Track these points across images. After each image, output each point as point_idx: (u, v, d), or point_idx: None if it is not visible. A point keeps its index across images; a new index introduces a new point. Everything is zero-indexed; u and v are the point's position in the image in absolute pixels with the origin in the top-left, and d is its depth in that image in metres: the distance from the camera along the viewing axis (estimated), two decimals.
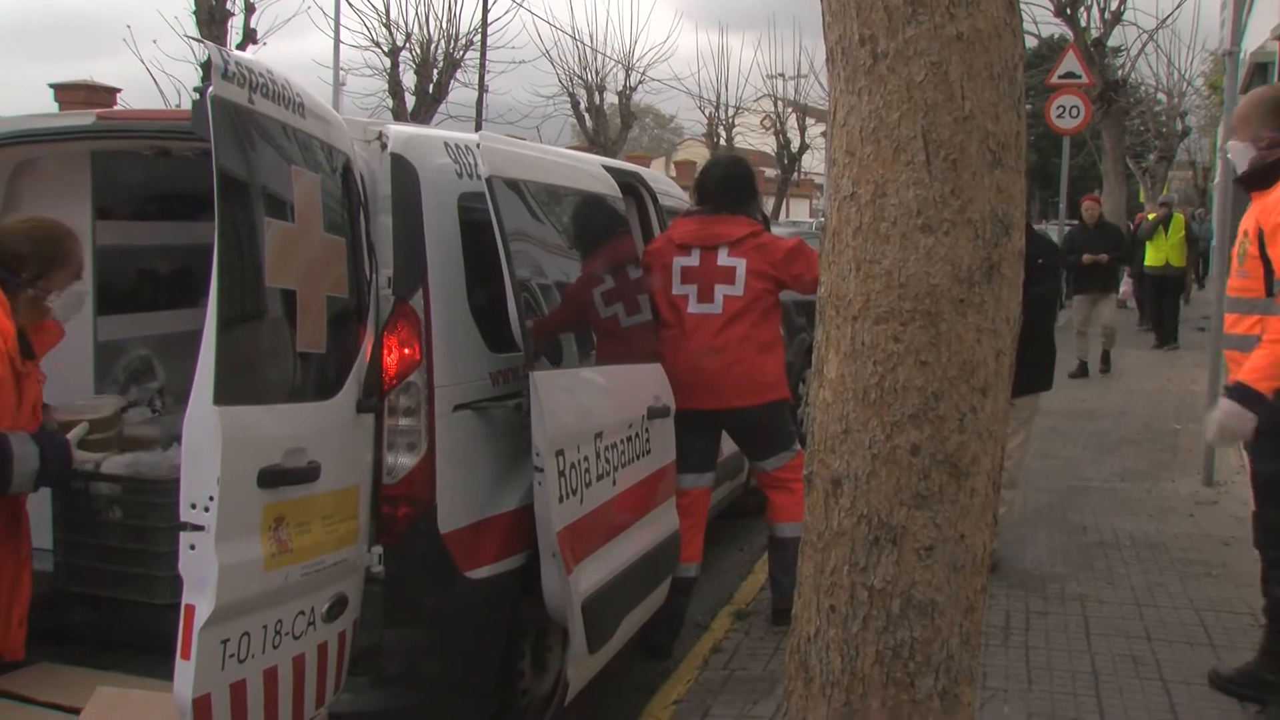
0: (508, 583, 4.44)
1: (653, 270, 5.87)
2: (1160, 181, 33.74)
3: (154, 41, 18.41)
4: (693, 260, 5.84)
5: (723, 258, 5.83)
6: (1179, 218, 18.66)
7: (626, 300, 5.55)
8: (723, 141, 32.95)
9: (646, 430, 5.24)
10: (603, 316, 5.45)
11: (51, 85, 18.61)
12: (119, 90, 18.60)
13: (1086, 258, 14.39)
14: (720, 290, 5.82)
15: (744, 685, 5.43)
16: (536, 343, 4.40)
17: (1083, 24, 22.91)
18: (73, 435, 3.98)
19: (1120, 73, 26.31)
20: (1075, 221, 16.90)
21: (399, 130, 4.34)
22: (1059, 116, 17.26)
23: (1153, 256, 18.30)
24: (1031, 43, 26.90)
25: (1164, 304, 18.84)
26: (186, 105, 3.53)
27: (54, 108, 16.41)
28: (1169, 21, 27.38)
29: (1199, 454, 9.70)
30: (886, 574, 3.02)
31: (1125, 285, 20.95)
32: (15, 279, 3.87)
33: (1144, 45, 26.74)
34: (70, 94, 18.07)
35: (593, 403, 4.80)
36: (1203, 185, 40.71)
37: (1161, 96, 34.75)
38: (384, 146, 4.20)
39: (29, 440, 3.68)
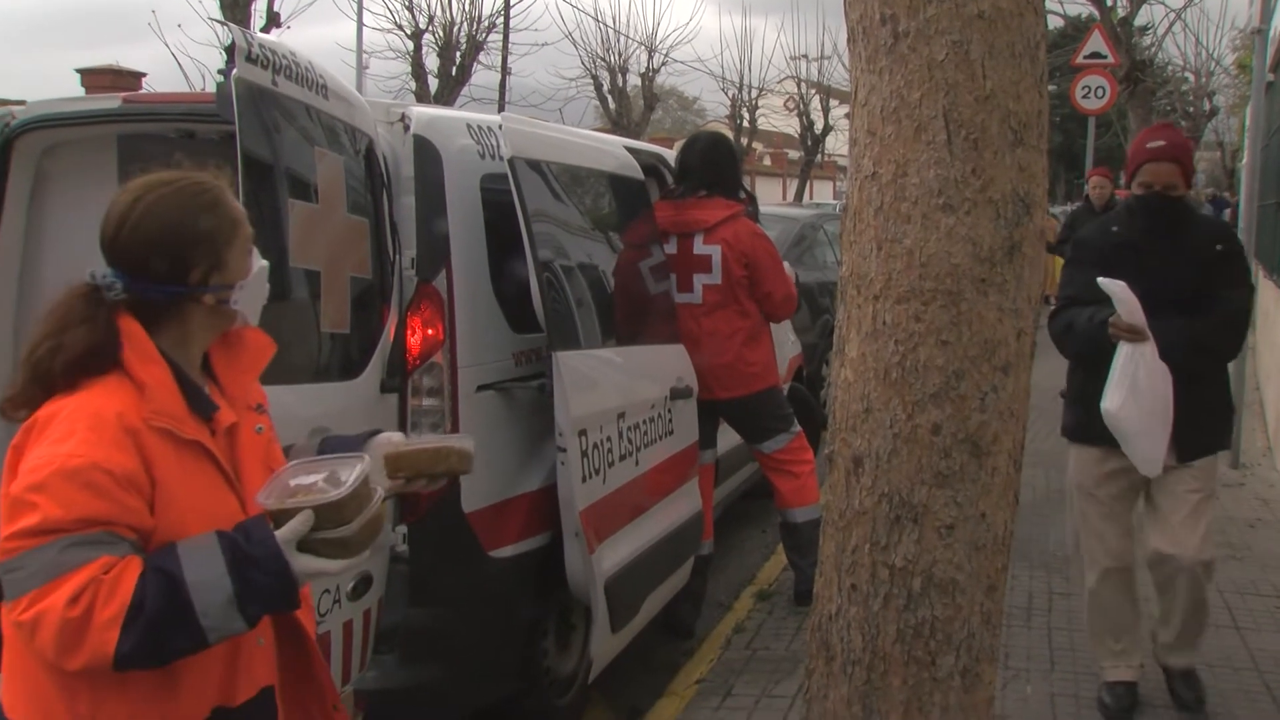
0: (531, 562, 4.47)
1: None
2: None
3: (178, 26, 18.44)
4: (670, 248, 5.80)
5: (698, 245, 5.78)
6: None
7: (660, 280, 5.57)
8: (746, 123, 32.82)
9: (669, 411, 5.25)
10: (649, 294, 5.46)
11: (78, 70, 18.63)
12: (144, 75, 18.64)
13: None
14: (699, 279, 5.79)
15: (766, 664, 5.44)
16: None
17: (1109, 3, 22.72)
18: (286, 533, 2.10)
19: (1147, 52, 26.06)
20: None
21: (422, 112, 4.35)
22: (1084, 97, 17.09)
23: None
24: (1057, 23, 26.76)
25: None
26: (211, 89, 3.54)
27: (81, 92, 16.45)
28: (1197, 0, 27.11)
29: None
30: (907, 552, 3.01)
31: None
32: (179, 288, 2.28)
33: (1171, 24, 26.45)
34: (96, 78, 18.09)
35: (615, 383, 4.81)
36: (1231, 166, 40.44)
37: (1189, 76, 34.53)
38: (407, 128, 4.22)
39: (214, 550, 2.09)
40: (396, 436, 2.66)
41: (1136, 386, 4.39)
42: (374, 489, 2.24)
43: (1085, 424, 4.65)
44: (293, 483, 2.21)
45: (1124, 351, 4.42)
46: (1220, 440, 4.88)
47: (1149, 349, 4.38)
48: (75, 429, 2.09)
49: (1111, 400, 4.43)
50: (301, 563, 2.10)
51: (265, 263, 2.43)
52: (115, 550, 2.04)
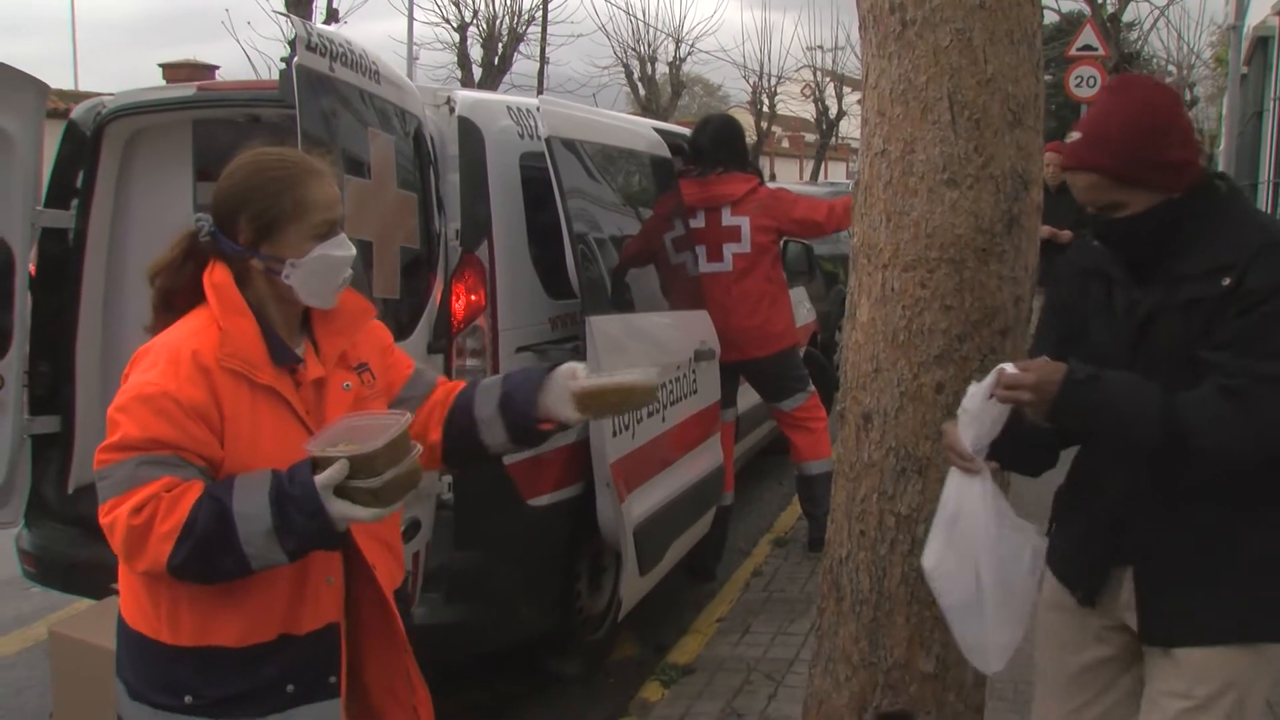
0: (566, 510, 4.45)
1: None
2: None
3: (248, 23, 18.61)
4: (698, 222, 5.76)
5: (727, 217, 5.76)
6: None
7: (691, 250, 5.53)
8: (765, 109, 32.62)
9: (693, 371, 5.21)
10: (673, 264, 5.43)
11: (160, 65, 18.89)
12: (218, 67, 18.77)
13: (1045, 231, 9.66)
14: (729, 249, 5.77)
15: (782, 605, 5.43)
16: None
17: (1099, 0, 22.45)
18: (322, 478, 2.12)
19: (1134, 46, 25.75)
20: None
21: (466, 95, 4.32)
22: (1077, 86, 16.93)
23: None
24: (1053, 18, 26.44)
25: None
26: (276, 79, 3.54)
27: (162, 84, 16.53)
28: None
29: None
30: (912, 501, 2.99)
31: None
32: (234, 246, 2.31)
33: (1155, 20, 26.13)
34: (176, 72, 18.30)
35: (643, 346, 4.77)
36: (1210, 152, 40.05)
37: (1171, 68, 34.09)
38: (452, 110, 4.18)
39: (262, 485, 2.15)
40: (580, 370, 2.59)
41: (954, 537, 2.61)
42: (413, 445, 2.21)
43: (1052, 544, 2.77)
44: (340, 433, 2.21)
45: (950, 482, 2.64)
46: (1256, 621, 2.42)
47: (979, 488, 2.56)
48: (158, 362, 2.19)
49: (927, 553, 2.67)
50: (337, 507, 2.12)
51: (337, 254, 2.33)
52: (181, 473, 2.13)
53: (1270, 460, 2.34)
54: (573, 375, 2.54)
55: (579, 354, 4.30)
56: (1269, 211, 10.11)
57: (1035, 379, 2.41)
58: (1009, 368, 2.46)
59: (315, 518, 2.10)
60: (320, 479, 2.10)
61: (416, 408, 2.59)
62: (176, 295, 2.32)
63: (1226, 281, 2.35)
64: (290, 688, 2.29)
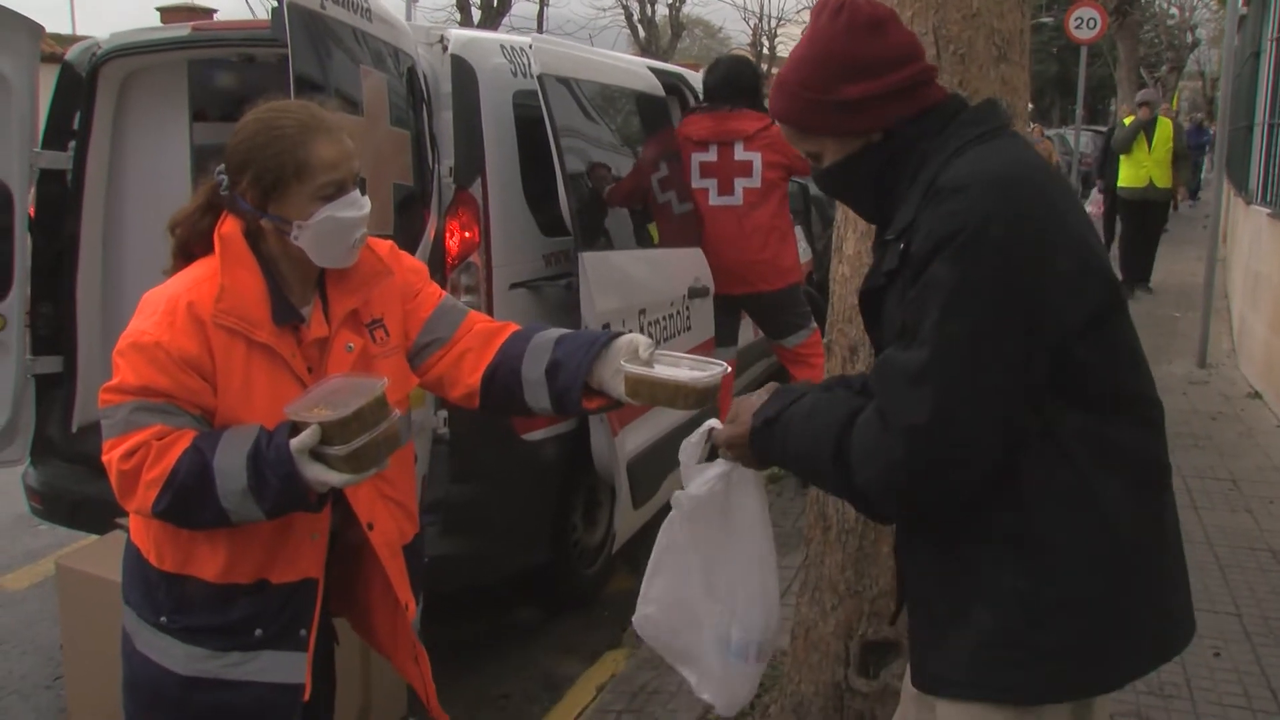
0: (560, 445, 4.48)
1: None
2: (1171, 90, 32.91)
3: None
4: (710, 156, 5.75)
5: (739, 152, 5.75)
6: (1165, 124, 12.73)
7: (676, 189, 5.53)
8: (766, 50, 32.42)
9: (687, 308, 5.23)
10: (660, 203, 5.43)
11: (158, 9, 18.77)
12: (215, 10, 18.69)
13: None
14: (739, 183, 5.76)
15: (775, 540, 5.44)
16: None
17: None
18: (296, 443, 2.10)
19: None
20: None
21: (459, 33, 4.31)
22: (1077, 28, 16.75)
23: (1130, 174, 12.68)
24: None
25: (1138, 237, 12.94)
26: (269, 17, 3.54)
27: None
28: None
29: (1194, 339, 9.59)
30: None
31: (1094, 204, 15.05)
32: (242, 203, 2.26)
33: None
34: (173, 15, 18.25)
35: (637, 282, 4.79)
36: (1210, 94, 39.79)
37: (1174, 10, 33.84)
38: (445, 48, 4.18)
39: (245, 442, 2.14)
40: (643, 344, 2.43)
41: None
42: (390, 411, 2.17)
43: None
44: (322, 395, 2.19)
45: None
46: (996, 678, 1.88)
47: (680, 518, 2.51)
48: (156, 311, 2.20)
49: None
50: (312, 471, 2.12)
51: (345, 215, 2.26)
52: (174, 420, 2.16)
53: (1014, 488, 1.82)
54: (634, 351, 2.42)
55: (572, 290, 4.32)
56: (1265, 154, 10.02)
57: (733, 415, 2.18)
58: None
59: (288, 481, 2.10)
60: (294, 443, 2.09)
61: (437, 350, 2.56)
62: (194, 245, 2.31)
63: (902, 246, 1.85)
64: (259, 631, 2.32)
